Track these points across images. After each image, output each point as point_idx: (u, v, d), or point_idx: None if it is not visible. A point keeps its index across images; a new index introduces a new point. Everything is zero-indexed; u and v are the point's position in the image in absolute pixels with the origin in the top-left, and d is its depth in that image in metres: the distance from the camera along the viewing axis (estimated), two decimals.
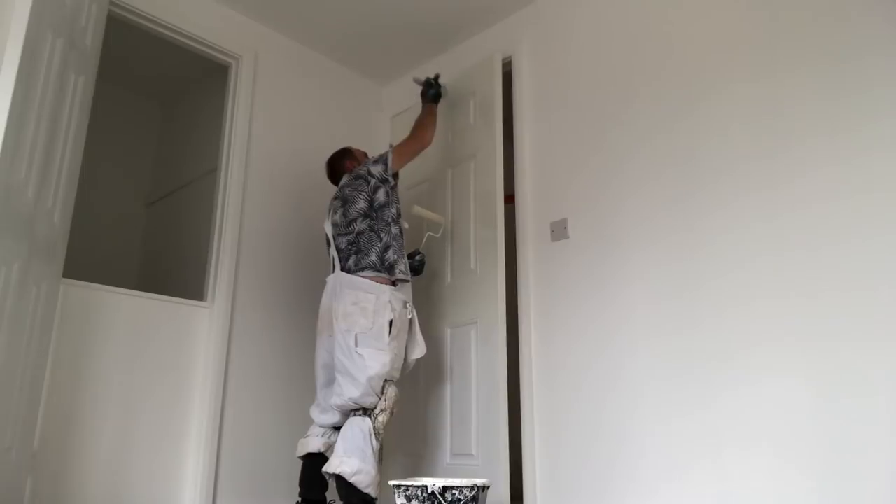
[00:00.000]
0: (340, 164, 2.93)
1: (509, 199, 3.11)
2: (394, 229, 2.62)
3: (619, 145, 2.76)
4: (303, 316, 3.31)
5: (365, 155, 2.97)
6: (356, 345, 2.44)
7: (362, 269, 2.54)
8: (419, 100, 3.25)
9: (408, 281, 2.63)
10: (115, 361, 2.69)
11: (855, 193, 2.08)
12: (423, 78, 3.24)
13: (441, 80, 3.24)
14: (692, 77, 2.58)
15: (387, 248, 2.58)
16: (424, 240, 3.06)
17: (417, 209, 3.05)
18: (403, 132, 3.16)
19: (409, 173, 3.48)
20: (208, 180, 3.53)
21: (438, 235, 3.15)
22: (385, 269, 2.55)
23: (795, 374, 2.11)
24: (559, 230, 2.89)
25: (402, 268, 2.59)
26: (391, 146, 2.79)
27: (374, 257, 2.55)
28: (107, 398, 2.64)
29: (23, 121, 1.92)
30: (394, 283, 2.56)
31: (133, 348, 2.75)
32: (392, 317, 2.49)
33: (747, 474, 2.15)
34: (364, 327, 2.45)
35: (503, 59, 3.23)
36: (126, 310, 2.77)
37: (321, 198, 3.46)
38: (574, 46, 3.05)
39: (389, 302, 2.50)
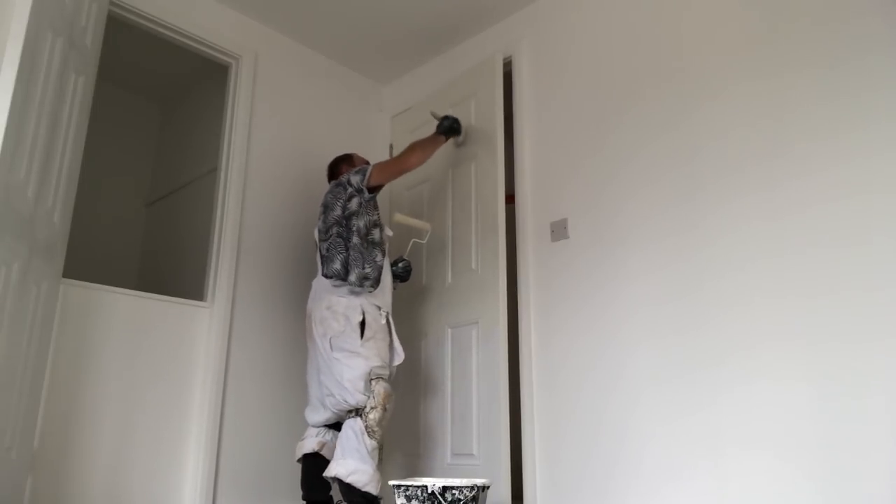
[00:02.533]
0: (338, 168, 2.95)
1: (509, 199, 3.11)
2: (354, 239, 2.62)
3: (620, 145, 2.76)
4: (302, 316, 3.29)
5: (366, 163, 2.92)
6: (332, 349, 2.49)
7: (331, 278, 2.59)
8: (421, 101, 3.25)
9: (360, 290, 2.57)
10: (114, 361, 2.69)
11: (856, 194, 2.08)
12: (440, 114, 3.14)
13: (462, 127, 3.15)
14: (693, 77, 2.58)
15: (346, 258, 2.60)
16: (409, 246, 3.06)
17: (399, 217, 3.03)
18: (403, 132, 3.17)
19: (409, 174, 3.48)
20: (208, 180, 3.53)
21: (424, 241, 3.14)
22: (345, 279, 2.57)
23: (796, 374, 2.11)
24: (559, 230, 2.89)
25: (353, 279, 2.55)
26: (374, 164, 2.78)
27: (337, 265, 2.58)
28: (107, 398, 2.64)
29: (23, 121, 1.92)
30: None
31: (133, 348, 2.75)
32: (362, 318, 2.52)
33: (747, 475, 2.15)
34: (336, 331, 2.50)
35: (503, 59, 3.23)
36: (126, 310, 2.77)
37: (321, 196, 3.46)
38: (574, 46, 3.05)
39: (360, 305, 2.54)
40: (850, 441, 1.96)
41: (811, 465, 2.02)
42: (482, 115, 3.19)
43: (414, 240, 3.10)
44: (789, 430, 2.09)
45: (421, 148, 2.84)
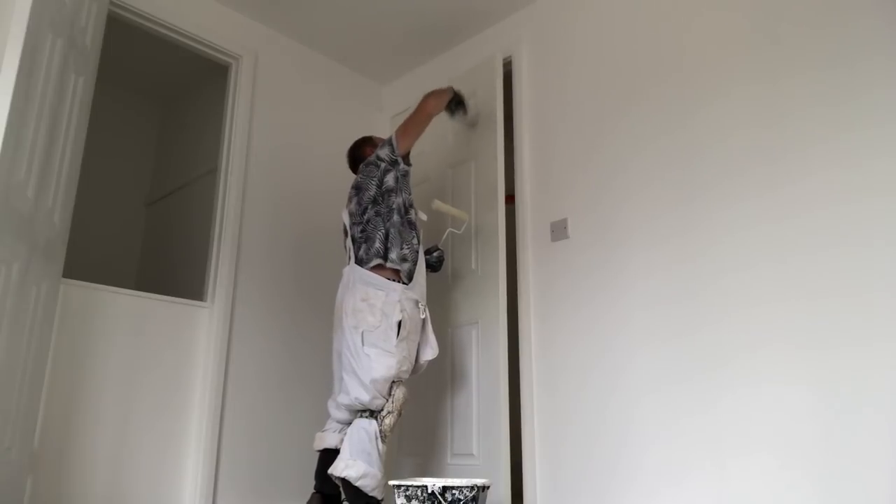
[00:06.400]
0: (361, 151, 2.84)
1: (509, 199, 3.11)
2: (395, 217, 2.53)
3: (620, 146, 2.76)
4: (303, 315, 3.31)
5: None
6: (363, 343, 2.39)
7: (371, 259, 2.49)
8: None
9: (397, 271, 2.50)
10: (114, 361, 2.69)
11: (857, 197, 2.08)
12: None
13: (471, 110, 3.08)
14: (693, 78, 2.58)
15: (386, 235, 2.51)
16: (445, 235, 2.98)
17: (438, 204, 2.93)
18: None
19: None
20: (208, 180, 3.53)
21: (461, 232, 3.05)
22: (385, 258, 2.48)
23: (796, 377, 2.10)
24: (559, 230, 2.88)
25: (394, 257, 2.48)
26: (394, 132, 2.71)
27: (378, 244, 2.49)
28: (107, 398, 2.64)
29: (23, 121, 1.93)
30: (399, 279, 2.49)
31: (133, 348, 2.75)
32: (402, 317, 2.42)
33: (748, 477, 2.15)
34: (371, 325, 2.40)
35: (503, 60, 3.23)
36: (126, 310, 2.77)
37: (321, 197, 3.47)
38: (574, 46, 3.05)
39: (399, 301, 2.44)
40: (851, 444, 1.96)
41: (812, 468, 2.02)
42: (482, 115, 3.19)
43: (450, 229, 3.01)
44: (790, 433, 2.08)
45: (435, 95, 2.78)
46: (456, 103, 2.99)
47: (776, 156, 2.29)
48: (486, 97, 3.19)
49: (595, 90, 2.91)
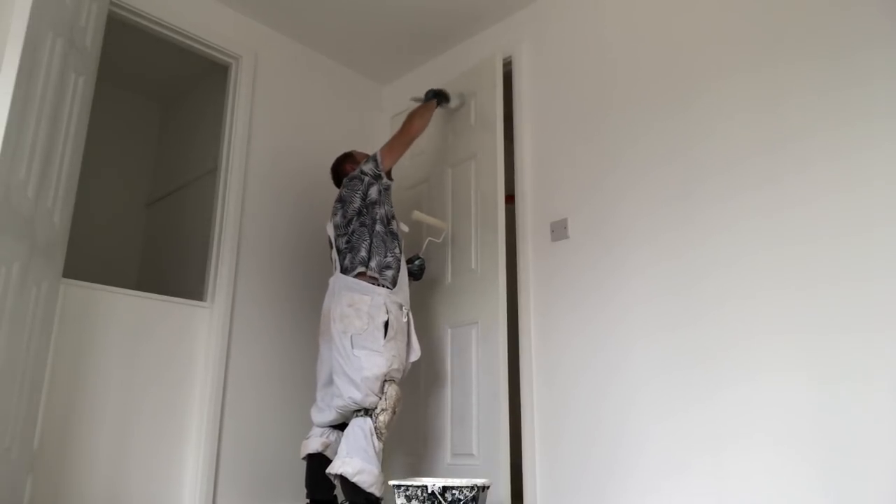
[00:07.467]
0: (342, 168, 2.95)
1: (509, 199, 3.11)
2: (378, 227, 2.63)
3: (619, 144, 2.76)
4: (303, 315, 3.31)
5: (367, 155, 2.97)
6: (352, 346, 2.47)
7: (356, 268, 2.57)
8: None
9: (376, 280, 2.57)
10: (114, 361, 2.69)
11: (854, 188, 2.09)
12: (422, 95, 3.19)
13: (454, 98, 3.22)
14: (691, 74, 2.58)
15: (370, 245, 2.61)
16: (425, 245, 3.05)
17: (417, 214, 3.02)
18: None
19: (409, 173, 3.49)
20: (208, 180, 3.53)
21: (440, 241, 3.12)
22: (367, 266, 2.57)
23: (795, 369, 2.11)
24: (559, 230, 2.89)
25: (374, 265, 2.57)
26: (379, 150, 2.80)
27: (363, 252, 2.59)
28: (106, 398, 2.64)
29: (23, 121, 1.93)
30: (380, 284, 2.56)
31: (133, 348, 2.75)
32: (387, 318, 2.50)
33: (747, 471, 2.15)
34: (359, 328, 2.48)
35: (503, 59, 3.23)
36: (126, 310, 2.77)
37: (321, 197, 3.47)
38: (574, 46, 3.05)
39: (384, 304, 2.52)
40: (850, 435, 1.96)
41: (811, 460, 2.02)
42: (482, 115, 3.19)
43: (430, 238, 3.08)
44: (789, 425, 2.09)
45: (419, 115, 2.92)
46: (439, 98, 3.15)
47: (773, 148, 2.29)
48: (486, 97, 3.19)
49: (595, 89, 2.91)
